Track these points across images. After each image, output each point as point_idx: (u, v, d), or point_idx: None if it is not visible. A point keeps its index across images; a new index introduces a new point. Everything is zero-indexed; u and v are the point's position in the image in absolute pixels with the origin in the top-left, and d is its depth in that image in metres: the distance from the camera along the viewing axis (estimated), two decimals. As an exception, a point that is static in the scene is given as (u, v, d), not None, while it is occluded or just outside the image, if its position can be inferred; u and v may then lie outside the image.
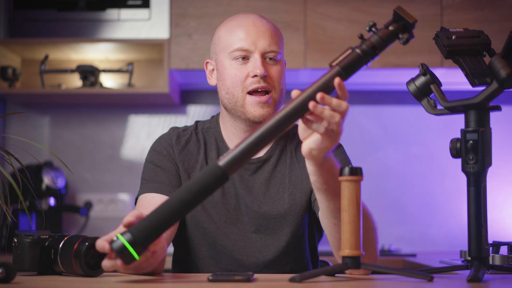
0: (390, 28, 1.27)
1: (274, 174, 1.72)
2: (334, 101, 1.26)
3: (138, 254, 1.19)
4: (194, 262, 1.72)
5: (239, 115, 1.68)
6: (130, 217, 1.25)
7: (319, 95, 1.24)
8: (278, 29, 1.72)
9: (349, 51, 1.27)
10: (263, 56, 1.66)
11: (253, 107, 1.66)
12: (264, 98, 1.66)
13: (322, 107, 1.26)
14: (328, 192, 1.40)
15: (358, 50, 1.27)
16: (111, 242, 1.19)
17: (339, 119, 1.27)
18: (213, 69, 1.75)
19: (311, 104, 1.25)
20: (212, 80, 1.76)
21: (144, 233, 1.19)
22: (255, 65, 1.65)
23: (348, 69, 1.26)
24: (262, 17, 1.71)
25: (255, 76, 1.65)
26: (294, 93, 1.27)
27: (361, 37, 1.28)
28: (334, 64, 1.27)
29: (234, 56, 1.67)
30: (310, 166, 1.38)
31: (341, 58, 1.27)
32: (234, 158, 1.23)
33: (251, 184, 1.71)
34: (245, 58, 1.67)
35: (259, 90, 1.65)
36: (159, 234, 1.21)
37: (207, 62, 1.77)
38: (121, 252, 1.18)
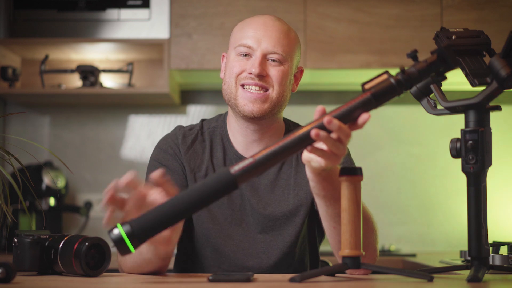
0: (432, 65, 1.24)
1: (280, 176, 1.72)
2: (343, 129, 1.25)
3: (134, 247, 1.19)
4: (198, 262, 1.71)
5: (234, 108, 1.69)
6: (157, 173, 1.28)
7: (326, 120, 1.23)
8: (291, 34, 1.70)
9: (385, 76, 1.24)
10: (265, 56, 1.66)
11: (244, 100, 1.66)
12: (255, 94, 1.66)
13: (326, 135, 1.24)
14: (326, 198, 1.41)
15: (392, 80, 1.24)
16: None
17: (342, 146, 1.27)
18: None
19: (313, 132, 1.22)
20: (222, 73, 1.76)
21: (144, 228, 1.19)
22: (253, 63, 1.65)
23: (379, 98, 1.24)
24: (277, 19, 1.71)
25: (251, 73, 1.65)
26: (319, 108, 1.26)
27: (402, 70, 1.25)
28: (367, 87, 1.25)
29: (238, 52, 1.68)
30: (308, 173, 1.39)
31: (375, 82, 1.25)
32: (249, 169, 1.21)
33: (256, 185, 1.71)
34: (248, 55, 1.67)
35: (252, 88, 1.66)
36: (159, 231, 1.21)
37: (223, 56, 1.78)
38: (118, 243, 1.18)
